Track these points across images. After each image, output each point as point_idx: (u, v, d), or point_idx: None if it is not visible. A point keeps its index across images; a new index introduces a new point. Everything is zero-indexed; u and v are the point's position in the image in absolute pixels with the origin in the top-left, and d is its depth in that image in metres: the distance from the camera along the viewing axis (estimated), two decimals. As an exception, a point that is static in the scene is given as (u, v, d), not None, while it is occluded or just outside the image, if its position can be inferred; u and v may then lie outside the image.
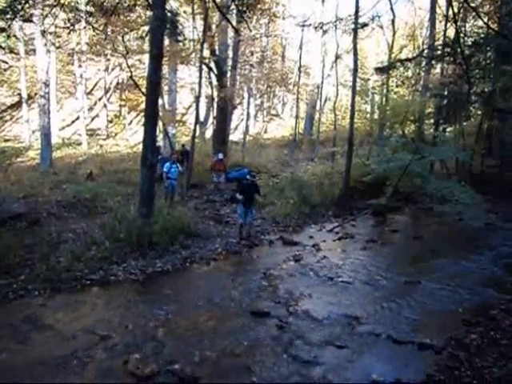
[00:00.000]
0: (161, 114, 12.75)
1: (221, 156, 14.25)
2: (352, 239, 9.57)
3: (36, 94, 20.40)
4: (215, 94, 17.01)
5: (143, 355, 4.45)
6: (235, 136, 26.74)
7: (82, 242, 7.86)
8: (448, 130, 17.52)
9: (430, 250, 8.71)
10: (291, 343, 4.84)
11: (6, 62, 27.19)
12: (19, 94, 26.22)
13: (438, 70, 19.28)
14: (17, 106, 27.27)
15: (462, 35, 12.08)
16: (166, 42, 14.34)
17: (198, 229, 9.35)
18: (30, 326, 5.11)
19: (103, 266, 7.07)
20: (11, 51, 24.40)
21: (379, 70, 13.84)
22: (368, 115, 27.39)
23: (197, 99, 14.53)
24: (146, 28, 13.36)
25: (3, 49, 17.85)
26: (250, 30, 18.92)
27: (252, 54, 25.31)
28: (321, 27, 12.77)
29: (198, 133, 18.28)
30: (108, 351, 4.57)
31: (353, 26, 12.93)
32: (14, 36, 14.98)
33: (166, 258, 7.71)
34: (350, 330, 5.19)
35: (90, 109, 29.28)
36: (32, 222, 8.89)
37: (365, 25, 13.27)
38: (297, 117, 22.38)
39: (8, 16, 8.05)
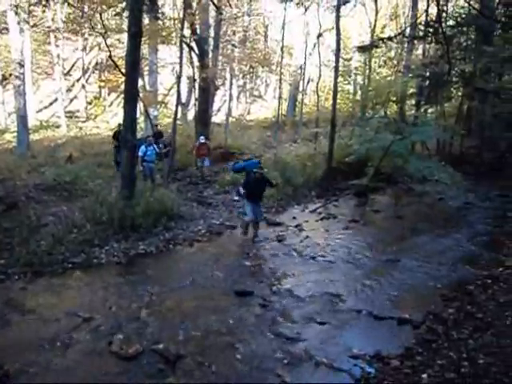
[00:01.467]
0: (141, 95, 12.48)
1: (202, 139, 13.68)
2: (334, 219, 9.66)
3: (11, 74, 19.69)
4: (197, 74, 16.69)
5: (127, 336, 4.46)
6: (218, 118, 26.42)
7: (63, 226, 7.73)
8: (429, 111, 17.65)
9: (411, 229, 8.88)
10: (274, 321, 4.91)
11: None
12: (-7, 75, 25.30)
13: (419, 50, 19.30)
14: (-9, 87, 26.33)
15: (443, 15, 12.08)
16: (146, 20, 13.94)
17: (180, 211, 9.30)
18: (11, 309, 5.06)
19: (85, 249, 7.01)
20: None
21: (361, 49, 13.78)
22: (351, 96, 27.35)
23: (178, 80, 14.21)
24: (124, 4, 12.94)
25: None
26: (231, 7, 18.49)
27: (234, 34, 24.83)
28: (302, 3, 12.59)
29: (179, 114, 18.01)
30: (91, 333, 4.57)
31: (335, 3, 12.80)
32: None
33: (148, 240, 7.68)
34: (331, 307, 5.30)
35: (69, 90, 28.46)
36: (10, 206, 8.67)
37: (347, 1, 13.15)
38: (280, 98, 22.21)
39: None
